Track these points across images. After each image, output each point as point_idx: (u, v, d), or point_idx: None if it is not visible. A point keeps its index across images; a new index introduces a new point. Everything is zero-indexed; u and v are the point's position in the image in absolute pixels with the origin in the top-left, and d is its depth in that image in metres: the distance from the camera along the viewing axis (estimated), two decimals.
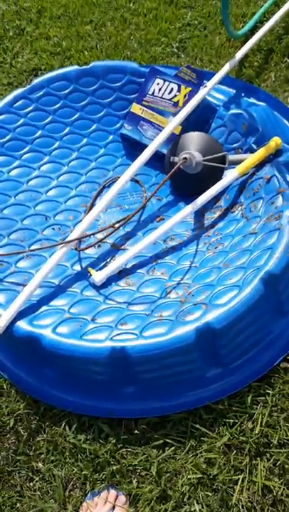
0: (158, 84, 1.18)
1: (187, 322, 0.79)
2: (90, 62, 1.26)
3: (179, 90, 1.17)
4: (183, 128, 1.16)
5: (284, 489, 0.79)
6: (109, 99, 1.24)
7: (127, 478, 0.81)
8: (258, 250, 0.88)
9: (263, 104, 1.23)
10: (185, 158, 1.01)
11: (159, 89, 1.18)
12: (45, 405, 0.87)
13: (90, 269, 0.94)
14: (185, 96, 1.17)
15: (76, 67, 1.24)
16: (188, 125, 1.17)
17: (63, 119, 1.21)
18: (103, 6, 1.70)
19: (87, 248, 0.98)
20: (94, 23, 1.65)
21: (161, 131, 1.13)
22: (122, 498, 0.78)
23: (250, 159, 1.03)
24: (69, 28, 1.64)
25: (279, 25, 1.50)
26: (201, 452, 0.82)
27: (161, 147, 1.15)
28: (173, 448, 0.82)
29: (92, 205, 1.11)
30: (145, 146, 1.07)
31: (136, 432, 0.84)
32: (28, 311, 0.85)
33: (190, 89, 1.17)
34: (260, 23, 1.48)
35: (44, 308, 0.86)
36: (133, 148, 1.20)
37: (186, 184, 1.11)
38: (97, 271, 0.93)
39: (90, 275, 0.93)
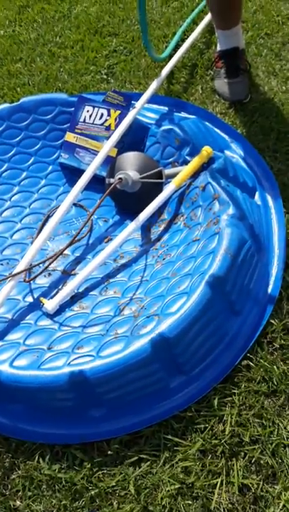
0: (88, 111, 1.22)
1: (142, 335, 0.81)
2: (21, 98, 1.30)
3: (109, 114, 1.21)
4: (119, 150, 1.19)
5: (263, 485, 0.80)
6: (43, 132, 1.26)
7: (106, 500, 0.80)
8: (201, 256, 0.90)
9: (193, 116, 1.28)
10: (120, 178, 1.04)
11: (90, 116, 1.21)
12: (17, 441, 0.86)
13: (41, 298, 0.95)
14: (116, 119, 1.20)
15: (7, 104, 1.26)
16: (124, 146, 1.20)
17: (0, 156, 1.23)
18: (31, 43, 1.75)
19: (34, 278, 0.98)
20: (23, 60, 1.69)
21: (97, 155, 1.16)
22: None
23: (185, 171, 1.07)
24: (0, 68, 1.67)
25: (200, 41, 1.58)
26: (176, 462, 0.82)
27: (101, 171, 1.18)
28: (148, 463, 0.82)
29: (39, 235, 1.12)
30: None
31: (109, 452, 0.84)
32: None
33: (119, 111, 1.21)
34: (182, 41, 1.54)
35: None
36: (74, 174, 1.22)
37: (130, 203, 1.14)
38: (49, 299, 0.94)
39: (43, 304, 0.93)
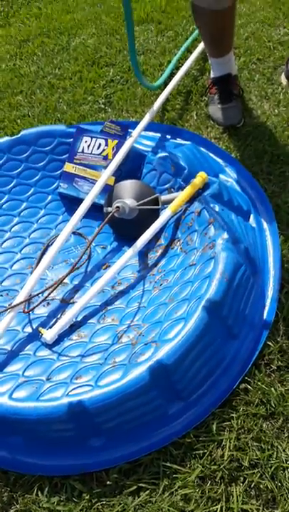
0: (86, 141, 1.25)
1: (140, 363, 0.81)
2: (21, 131, 1.34)
3: (106, 144, 1.24)
4: (117, 178, 1.22)
5: (262, 510, 0.79)
6: (42, 163, 1.30)
7: None
8: (197, 280, 0.92)
9: (188, 142, 1.31)
10: (118, 207, 1.06)
11: (88, 146, 1.25)
12: (15, 474, 0.86)
13: (40, 328, 0.96)
14: (113, 148, 1.24)
15: (7, 138, 1.30)
16: (121, 174, 1.23)
17: (0, 188, 1.26)
18: (31, 76, 1.80)
19: (33, 308, 1.00)
20: (24, 92, 1.74)
21: (95, 184, 1.19)
22: None
23: (180, 197, 1.09)
24: (1, 100, 1.72)
25: (194, 68, 1.62)
26: (176, 490, 0.82)
27: (99, 199, 1.21)
28: (148, 491, 0.82)
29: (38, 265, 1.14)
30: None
31: (108, 482, 0.83)
32: None
33: (117, 141, 1.24)
34: (177, 69, 1.58)
35: None
36: (73, 203, 1.24)
37: (127, 229, 1.16)
38: (48, 329, 0.95)
39: (42, 335, 0.95)
